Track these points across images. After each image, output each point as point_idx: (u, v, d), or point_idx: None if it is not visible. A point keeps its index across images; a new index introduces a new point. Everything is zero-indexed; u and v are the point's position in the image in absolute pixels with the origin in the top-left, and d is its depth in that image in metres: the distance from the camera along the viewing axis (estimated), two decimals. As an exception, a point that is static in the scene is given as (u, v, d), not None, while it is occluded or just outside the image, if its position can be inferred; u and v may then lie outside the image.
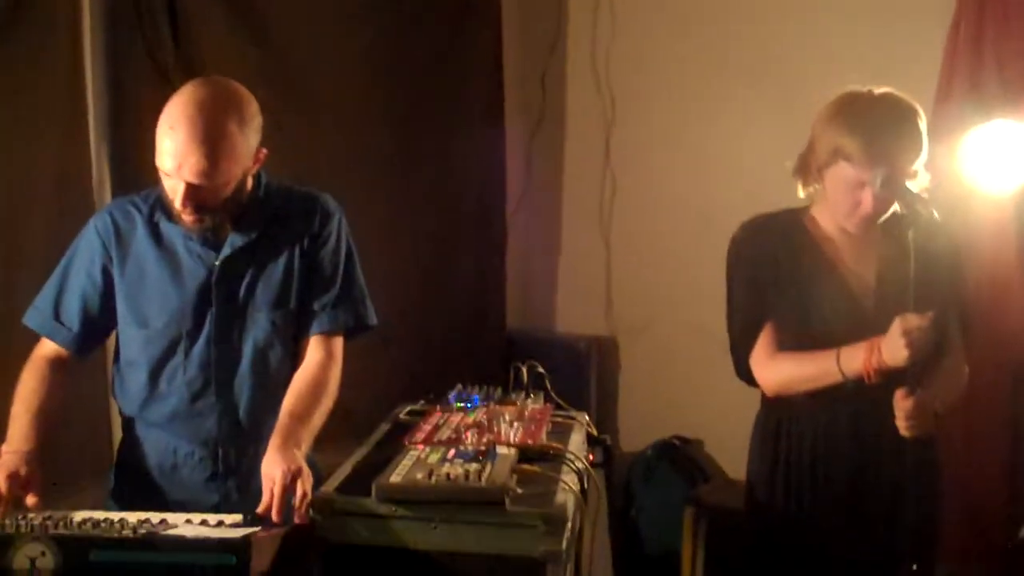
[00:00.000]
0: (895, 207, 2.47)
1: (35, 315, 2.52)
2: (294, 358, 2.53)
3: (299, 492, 2.14)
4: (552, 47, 4.68)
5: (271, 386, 2.49)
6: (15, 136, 3.03)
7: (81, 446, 3.11)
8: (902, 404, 2.39)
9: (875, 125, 2.45)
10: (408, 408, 2.77)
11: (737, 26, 4.26)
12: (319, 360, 2.50)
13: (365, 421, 2.76)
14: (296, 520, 2.10)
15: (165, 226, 2.49)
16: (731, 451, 4.06)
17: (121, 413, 2.60)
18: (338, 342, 2.56)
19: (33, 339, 2.53)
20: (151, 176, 3.25)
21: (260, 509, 2.13)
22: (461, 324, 4.48)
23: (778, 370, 2.59)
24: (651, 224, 4.56)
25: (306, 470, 2.21)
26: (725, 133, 4.25)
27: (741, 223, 2.69)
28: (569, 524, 2.07)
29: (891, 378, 2.40)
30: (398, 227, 4.22)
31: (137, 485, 2.51)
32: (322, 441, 3.54)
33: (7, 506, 2.18)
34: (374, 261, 4.14)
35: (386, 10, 4.13)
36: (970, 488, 3.53)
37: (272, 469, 2.19)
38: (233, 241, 2.48)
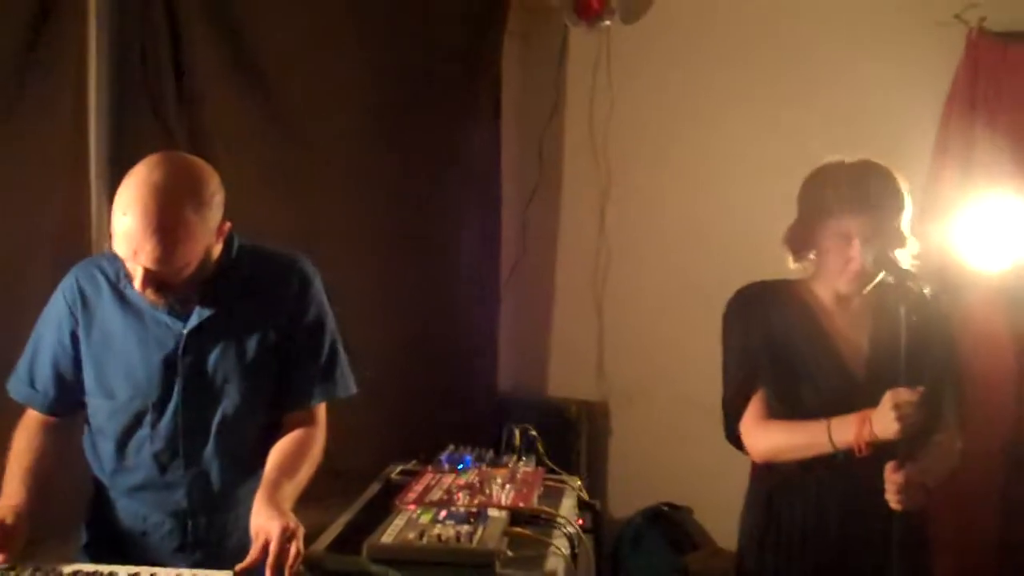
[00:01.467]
0: (884, 275, 2.49)
1: (14, 382, 2.50)
2: (269, 427, 2.47)
3: (292, 551, 2.10)
4: (550, 116, 4.74)
5: (243, 457, 2.45)
6: (17, 189, 3.05)
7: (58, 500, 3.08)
8: (892, 477, 2.39)
9: (854, 178, 2.53)
10: (400, 468, 2.77)
11: (733, 101, 4.32)
12: (305, 426, 2.47)
13: (356, 480, 2.75)
14: None
15: (132, 292, 2.37)
16: (720, 519, 4.06)
17: (92, 473, 2.54)
18: (322, 408, 2.53)
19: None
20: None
21: (247, 563, 2.09)
22: (453, 386, 4.48)
23: (767, 437, 2.58)
24: (644, 293, 4.59)
25: (300, 529, 2.18)
26: (720, 205, 4.29)
27: (737, 289, 2.71)
28: (559, 588, 2.06)
29: (881, 451, 2.40)
30: (393, 288, 4.24)
31: (109, 545, 2.48)
32: (312, 499, 3.53)
33: None
34: (369, 321, 4.18)
35: (389, 72, 4.18)
36: (961, 561, 3.52)
37: (267, 524, 2.15)
38: (201, 312, 2.39)
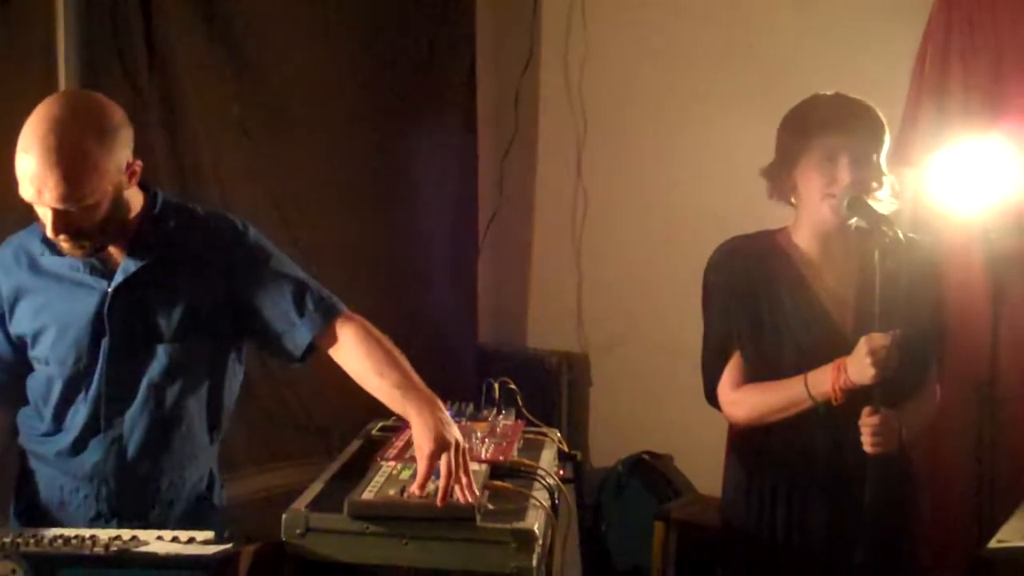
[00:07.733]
0: (857, 221, 2.46)
1: None
2: (200, 392, 2.43)
3: (450, 464, 2.09)
4: (525, 66, 4.72)
5: (165, 425, 2.39)
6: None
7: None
8: (867, 421, 2.37)
9: (838, 101, 2.51)
10: (380, 424, 2.77)
11: (708, 47, 4.30)
12: (357, 333, 2.48)
13: (337, 437, 2.76)
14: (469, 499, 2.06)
15: (49, 260, 2.34)
16: (701, 466, 4.11)
17: (21, 443, 2.50)
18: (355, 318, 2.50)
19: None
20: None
21: (419, 482, 2.08)
22: (433, 340, 4.48)
23: (745, 403, 2.55)
24: (622, 242, 4.59)
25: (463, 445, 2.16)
26: (697, 153, 4.28)
27: (717, 246, 2.66)
28: (540, 540, 2.07)
29: (857, 397, 2.39)
30: (371, 244, 4.23)
31: (33, 516, 2.42)
32: (292, 457, 3.55)
33: None
34: (347, 279, 4.16)
35: (362, 29, 4.15)
36: (937, 502, 3.56)
37: (445, 437, 2.14)
38: (126, 267, 2.32)
